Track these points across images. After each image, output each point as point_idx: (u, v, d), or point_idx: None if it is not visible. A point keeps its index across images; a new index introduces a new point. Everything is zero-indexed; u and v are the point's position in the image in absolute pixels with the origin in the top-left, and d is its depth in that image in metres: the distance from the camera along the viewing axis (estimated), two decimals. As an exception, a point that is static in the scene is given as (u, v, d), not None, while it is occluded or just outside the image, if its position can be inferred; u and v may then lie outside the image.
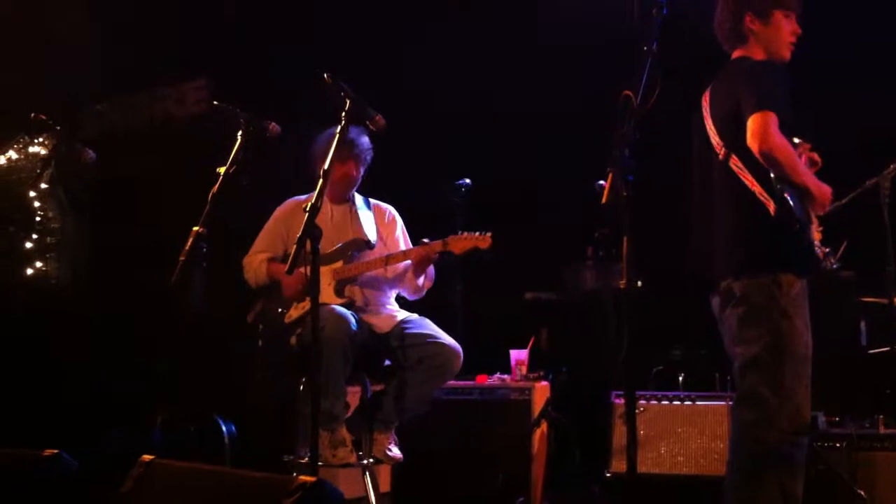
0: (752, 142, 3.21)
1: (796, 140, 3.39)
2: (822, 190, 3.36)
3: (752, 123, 3.22)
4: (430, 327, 4.33)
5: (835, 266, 3.44)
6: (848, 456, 4.10)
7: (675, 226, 3.75)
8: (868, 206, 4.12)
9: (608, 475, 4.66)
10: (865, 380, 4.64)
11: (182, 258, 3.36)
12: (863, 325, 4.61)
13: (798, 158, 3.30)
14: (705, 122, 3.52)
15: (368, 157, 4.55)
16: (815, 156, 3.51)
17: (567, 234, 5.34)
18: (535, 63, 5.72)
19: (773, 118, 3.20)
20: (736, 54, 3.55)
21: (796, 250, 3.32)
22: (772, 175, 3.24)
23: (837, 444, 4.17)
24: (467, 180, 4.91)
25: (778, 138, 3.19)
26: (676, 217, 3.73)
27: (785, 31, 3.50)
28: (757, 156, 3.21)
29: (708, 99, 3.56)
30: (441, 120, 5.87)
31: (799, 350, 3.31)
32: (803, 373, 3.31)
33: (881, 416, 4.20)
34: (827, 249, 3.42)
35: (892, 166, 4.10)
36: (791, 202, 3.24)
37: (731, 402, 4.34)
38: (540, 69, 5.71)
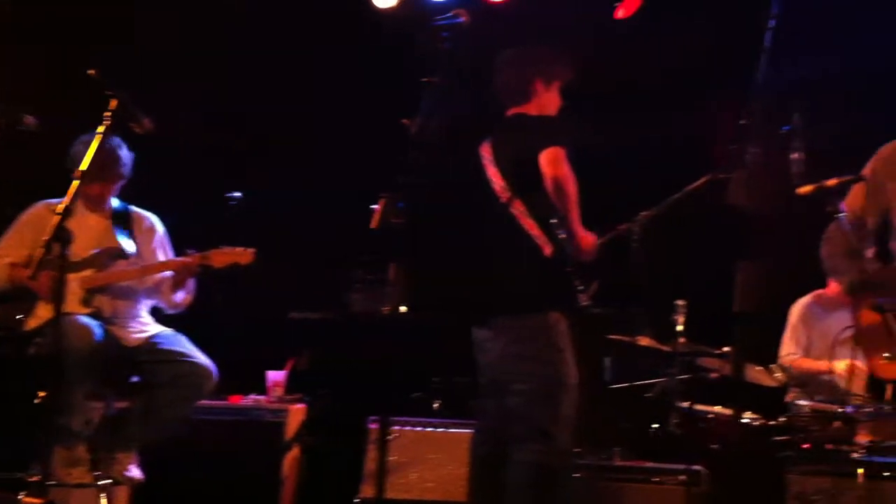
0: (546, 168, 3.53)
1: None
2: (588, 239, 3.67)
3: (545, 155, 3.55)
4: (183, 344, 4.20)
5: (586, 304, 3.71)
6: (586, 486, 4.29)
7: (443, 255, 3.86)
8: (619, 249, 4.37)
9: (357, 501, 4.65)
10: (605, 413, 4.90)
11: None
12: (607, 361, 4.89)
13: (577, 200, 3.59)
14: (486, 170, 3.78)
15: (129, 171, 4.37)
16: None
17: (337, 255, 5.32)
18: (321, 84, 5.69)
19: (562, 152, 3.55)
20: (513, 111, 3.85)
21: (564, 290, 3.65)
22: (552, 221, 3.57)
23: (576, 475, 4.36)
24: (238, 193, 4.80)
25: (568, 169, 3.54)
26: (444, 246, 3.85)
27: (557, 99, 3.89)
28: (548, 181, 3.52)
29: (489, 150, 3.82)
30: (217, 131, 5.70)
31: (572, 381, 3.64)
32: (575, 400, 3.64)
33: (618, 449, 4.45)
34: (581, 287, 3.67)
35: (642, 214, 4.37)
36: (563, 246, 3.59)
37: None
38: (327, 91, 5.68)
